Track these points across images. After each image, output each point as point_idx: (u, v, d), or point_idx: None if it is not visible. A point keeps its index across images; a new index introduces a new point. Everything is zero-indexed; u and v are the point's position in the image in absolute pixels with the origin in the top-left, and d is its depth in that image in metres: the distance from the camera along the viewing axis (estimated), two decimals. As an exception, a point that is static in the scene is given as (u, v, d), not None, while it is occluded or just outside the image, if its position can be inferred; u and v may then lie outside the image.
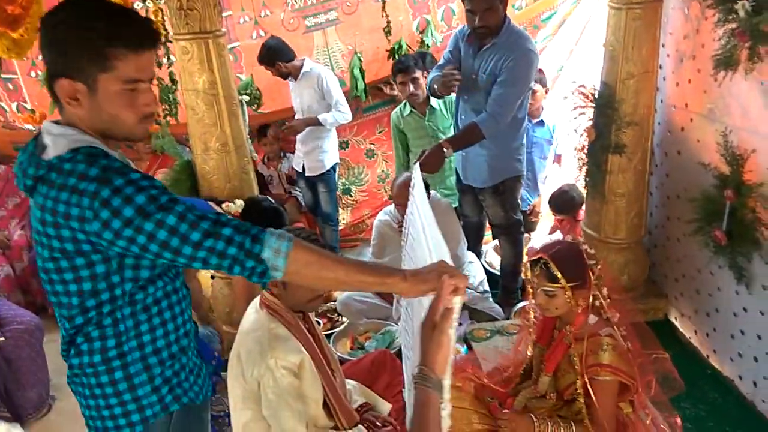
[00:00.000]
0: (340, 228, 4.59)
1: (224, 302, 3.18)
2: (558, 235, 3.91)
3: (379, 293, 3.40)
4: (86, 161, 1.19)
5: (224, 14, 3.71)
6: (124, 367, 1.35)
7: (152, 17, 3.03)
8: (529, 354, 2.19)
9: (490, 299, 3.38)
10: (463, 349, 2.93)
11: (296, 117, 4.14)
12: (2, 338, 2.90)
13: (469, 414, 2.10)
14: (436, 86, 3.04)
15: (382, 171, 4.69)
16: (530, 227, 4.02)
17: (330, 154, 4.17)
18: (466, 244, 3.46)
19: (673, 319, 3.25)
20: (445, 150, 2.75)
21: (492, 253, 3.90)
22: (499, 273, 3.59)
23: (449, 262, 1.32)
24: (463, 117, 3.17)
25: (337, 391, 2.09)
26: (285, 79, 4.02)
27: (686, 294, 3.09)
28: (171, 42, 2.92)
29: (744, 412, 2.60)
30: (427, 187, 2.83)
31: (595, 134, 3.05)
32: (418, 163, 2.48)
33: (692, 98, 2.86)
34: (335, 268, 1.26)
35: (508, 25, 2.89)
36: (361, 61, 4.30)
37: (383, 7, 4.01)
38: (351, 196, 4.75)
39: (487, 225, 3.65)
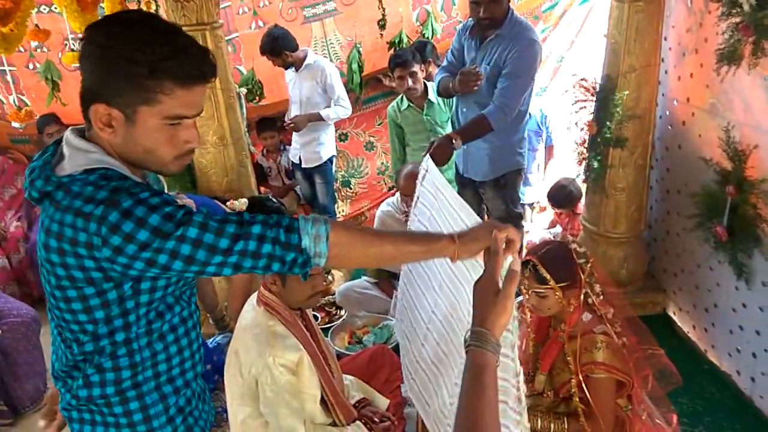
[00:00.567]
0: (339, 219, 4.58)
1: (222, 296, 3.18)
2: (557, 229, 3.90)
3: (380, 286, 3.40)
4: (97, 183, 1.09)
5: (223, 5, 3.68)
6: (139, 397, 1.26)
7: (145, 8, 2.97)
8: (530, 352, 2.18)
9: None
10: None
11: (293, 108, 4.11)
12: (-1, 331, 2.89)
13: None
14: (451, 85, 3.01)
15: (382, 163, 4.67)
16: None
17: (327, 146, 4.15)
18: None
19: (671, 314, 3.25)
20: (453, 141, 2.71)
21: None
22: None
23: None
24: (464, 110, 3.14)
25: (335, 387, 2.08)
26: (286, 69, 3.98)
27: (685, 289, 3.09)
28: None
29: (741, 408, 2.61)
30: None
31: (596, 128, 3.03)
32: (428, 155, 2.45)
33: (694, 93, 2.84)
34: (381, 243, 1.17)
35: (511, 16, 2.86)
36: (360, 54, 4.27)
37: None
38: (350, 188, 4.74)
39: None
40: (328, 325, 3.22)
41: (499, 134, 2.96)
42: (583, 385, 1.90)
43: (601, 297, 1.98)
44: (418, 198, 1.98)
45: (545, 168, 4.29)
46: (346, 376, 2.32)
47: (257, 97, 4.39)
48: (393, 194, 4.33)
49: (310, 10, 4.24)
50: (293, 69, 3.97)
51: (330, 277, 3.70)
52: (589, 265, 1.97)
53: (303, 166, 4.20)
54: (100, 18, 1.18)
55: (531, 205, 4.25)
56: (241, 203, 2.78)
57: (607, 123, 2.95)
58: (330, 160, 4.21)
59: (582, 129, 3.17)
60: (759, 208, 2.39)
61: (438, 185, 1.73)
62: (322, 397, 2.05)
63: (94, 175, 1.11)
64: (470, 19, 2.99)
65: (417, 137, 3.71)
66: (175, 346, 1.30)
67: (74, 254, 1.10)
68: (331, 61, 4.26)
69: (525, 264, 1.93)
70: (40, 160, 1.20)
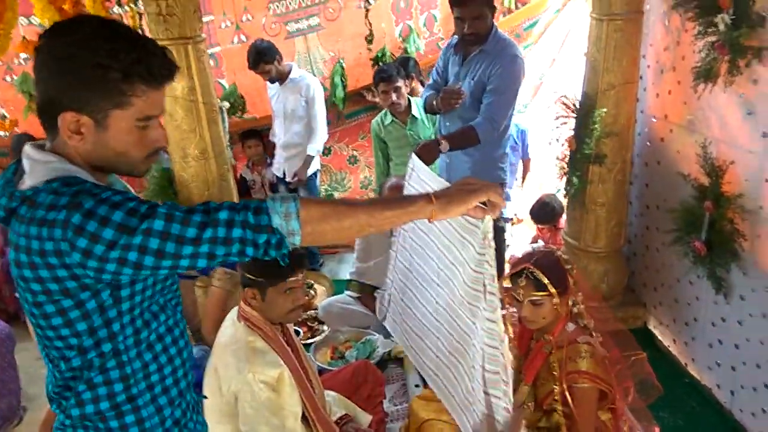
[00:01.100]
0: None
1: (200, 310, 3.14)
2: (539, 244, 3.93)
3: (362, 301, 3.38)
4: (58, 190, 1.08)
5: (205, 18, 3.68)
6: (135, 410, 1.24)
7: (129, 22, 2.96)
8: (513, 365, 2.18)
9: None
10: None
11: (276, 122, 4.10)
12: (-28, 348, 2.82)
13: (444, 426, 2.09)
14: (435, 103, 3.03)
15: (365, 177, 4.68)
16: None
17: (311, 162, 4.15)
18: None
19: (651, 328, 3.27)
20: (440, 144, 2.73)
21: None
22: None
23: None
24: (447, 124, 3.16)
25: (316, 403, 2.06)
26: (272, 83, 3.97)
27: (665, 303, 3.11)
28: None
29: (722, 421, 2.62)
30: None
31: (576, 144, 3.07)
32: (414, 154, 2.46)
33: (672, 109, 2.89)
34: (354, 213, 1.13)
35: (495, 32, 2.90)
36: (343, 68, 4.29)
37: (366, 15, 4.01)
38: None
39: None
40: (310, 341, 3.19)
41: (481, 149, 2.98)
42: (567, 395, 1.91)
43: (582, 306, 2.00)
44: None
45: (523, 181, 4.33)
46: (328, 392, 2.30)
47: (240, 111, 4.39)
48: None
49: (293, 25, 4.27)
50: (277, 83, 3.98)
51: (312, 292, 3.67)
52: (574, 272, 1.99)
53: (287, 180, 4.19)
54: (48, 27, 1.16)
55: (510, 220, 4.28)
56: None
57: (587, 139, 2.99)
58: (315, 174, 4.21)
59: (563, 145, 3.20)
60: (736, 223, 2.42)
61: (425, 179, 1.74)
62: (303, 414, 2.02)
63: (55, 183, 1.10)
64: (454, 37, 3.02)
65: (400, 152, 3.72)
66: (165, 355, 1.27)
67: (46, 265, 1.08)
68: (314, 73, 4.28)
69: (519, 273, 1.94)
70: (2, 179, 1.19)
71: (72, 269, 1.08)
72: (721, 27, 2.26)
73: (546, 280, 1.90)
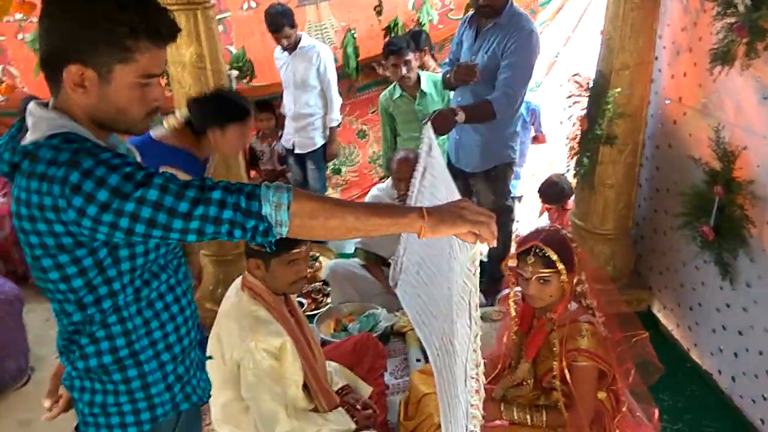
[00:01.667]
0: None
1: (208, 280, 3.16)
2: (545, 222, 3.92)
3: (368, 268, 3.38)
4: (58, 146, 1.10)
5: (216, -17, 3.63)
6: (138, 365, 1.27)
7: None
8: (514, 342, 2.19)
9: (476, 286, 3.38)
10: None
11: (286, 92, 4.07)
12: (-19, 308, 2.87)
13: None
14: (448, 77, 3.00)
15: (374, 152, 4.65)
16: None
17: (320, 132, 4.13)
18: None
19: (656, 311, 3.27)
20: (457, 114, 2.70)
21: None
22: (486, 259, 3.59)
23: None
24: (459, 99, 3.14)
25: (318, 373, 2.08)
26: (285, 50, 3.92)
27: (670, 287, 3.10)
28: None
29: (721, 406, 2.63)
30: None
31: (587, 124, 3.03)
32: (429, 123, 2.44)
33: (687, 92, 2.84)
34: (343, 214, 1.14)
35: (510, 6, 2.86)
36: (354, 38, 4.23)
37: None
38: (341, 175, 4.72)
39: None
40: (314, 312, 3.21)
41: (491, 126, 2.96)
42: (566, 373, 1.92)
43: (586, 286, 2.00)
44: (425, 169, 1.97)
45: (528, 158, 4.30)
46: (330, 362, 2.32)
47: (248, 77, 4.35)
48: (383, 182, 4.33)
49: (305, -7, 4.21)
50: (286, 52, 3.93)
51: (317, 264, 3.69)
52: (579, 250, 1.99)
53: (296, 151, 4.17)
54: None
55: (518, 198, 4.26)
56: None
57: (598, 120, 2.95)
58: (323, 145, 4.19)
59: (574, 124, 3.17)
60: (746, 209, 2.40)
61: (437, 176, 1.74)
62: (304, 383, 2.05)
63: (56, 139, 1.12)
64: (471, 12, 2.99)
65: (408, 127, 3.69)
66: (166, 313, 1.30)
67: (44, 220, 1.11)
68: (325, 44, 4.24)
69: (528, 251, 1.93)
70: (6, 136, 1.22)
71: (68, 226, 1.10)
72: (741, 8, 2.21)
73: (555, 257, 1.90)
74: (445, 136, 3.16)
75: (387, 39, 4.17)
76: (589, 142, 3.05)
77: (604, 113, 2.94)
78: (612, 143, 2.99)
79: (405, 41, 3.52)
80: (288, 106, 4.09)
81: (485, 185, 3.23)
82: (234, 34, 4.25)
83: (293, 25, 3.81)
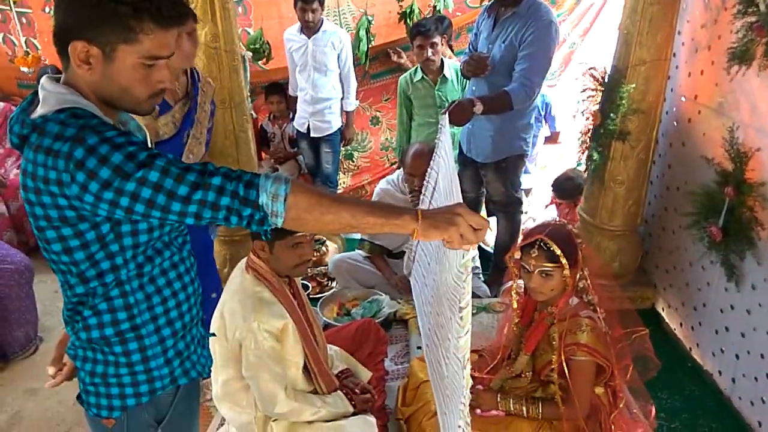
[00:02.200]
0: (340, 191, 4.58)
1: (216, 259, 3.19)
2: (552, 210, 3.91)
3: (372, 260, 3.40)
4: (65, 121, 1.11)
5: (236, -36, 3.63)
6: (138, 339, 1.30)
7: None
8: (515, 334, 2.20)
9: (480, 277, 3.38)
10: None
11: (300, 76, 4.05)
12: (-8, 277, 2.92)
13: None
14: (463, 69, 3.01)
15: (386, 139, 4.65)
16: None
17: (337, 116, 4.14)
18: None
19: (660, 310, 3.26)
20: (475, 105, 2.68)
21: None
22: (492, 250, 3.59)
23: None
24: (473, 88, 3.13)
25: (319, 356, 2.10)
26: (306, 30, 3.89)
27: (675, 286, 3.09)
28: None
29: (720, 407, 2.63)
30: None
31: (601, 118, 3.01)
32: (447, 114, 2.43)
33: (703, 90, 2.81)
34: (339, 211, 1.16)
35: None
36: (370, 23, 4.21)
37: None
38: (353, 161, 4.73)
39: (483, 204, 3.63)
40: (319, 296, 3.23)
41: (504, 117, 2.95)
42: (564, 367, 1.93)
43: (588, 282, 2.01)
44: (440, 160, 1.98)
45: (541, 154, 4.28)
46: (331, 346, 2.34)
47: (264, 58, 4.35)
48: (394, 170, 4.33)
49: (325, -23, 4.18)
50: (304, 35, 3.91)
51: (324, 248, 3.71)
52: (583, 247, 1.99)
53: (312, 135, 4.16)
54: None
55: (527, 191, 4.25)
56: None
57: (612, 115, 2.93)
58: (339, 130, 4.20)
59: (587, 118, 3.14)
60: (755, 211, 2.38)
61: (444, 147, 1.73)
62: (304, 365, 2.07)
63: (64, 113, 1.13)
64: (491, 1, 2.97)
65: (424, 111, 3.67)
66: (169, 289, 1.32)
67: (48, 193, 1.13)
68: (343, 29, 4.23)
69: (532, 244, 1.94)
70: (18, 108, 1.23)
71: (71, 200, 1.12)
72: (762, 7, 2.18)
73: (558, 251, 1.91)
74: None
75: (402, 23, 4.15)
76: (601, 137, 3.03)
77: (618, 108, 2.91)
78: (624, 139, 2.97)
79: (433, 23, 3.45)
80: (303, 88, 4.06)
81: (495, 176, 3.22)
82: (252, 16, 4.25)
83: (322, 4, 3.80)
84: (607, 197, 3.14)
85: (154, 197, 1.09)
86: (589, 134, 3.14)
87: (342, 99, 4.11)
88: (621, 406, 2.06)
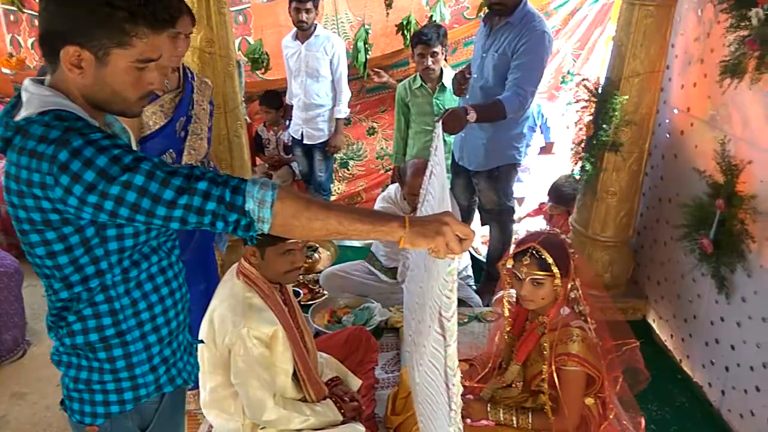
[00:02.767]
0: (334, 198, 4.58)
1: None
2: (540, 221, 3.90)
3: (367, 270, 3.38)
4: (50, 123, 1.10)
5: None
6: (123, 345, 1.28)
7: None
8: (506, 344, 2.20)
9: (472, 286, 3.38)
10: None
11: (294, 82, 4.06)
12: (-20, 279, 2.89)
13: None
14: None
15: (381, 148, 4.67)
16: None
17: (330, 124, 4.13)
18: None
19: (651, 321, 3.27)
20: (468, 113, 2.69)
21: (478, 240, 3.90)
22: (484, 259, 3.59)
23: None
24: (467, 96, 3.14)
25: (308, 363, 2.09)
26: (300, 33, 3.89)
27: (666, 298, 3.10)
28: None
29: (709, 420, 2.63)
30: None
31: (593, 130, 3.02)
32: (440, 122, 2.44)
33: (695, 103, 2.83)
34: (326, 217, 1.15)
35: (524, 5, 2.86)
36: (367, 34, 4.23)
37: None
38: (348, 169, 4.73)
39: (476, 212, 3.63)
40: (310, 303, 3.22)
41: (497, 126, 2.96)
42: (555, 377, 1.92)
43: (580, 292, 2.01)
44: (431, 172, 1.98)
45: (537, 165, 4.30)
46: (321, 353, 2.33)
47: (263, 68, 4.36)
48: (388, 177, 4.33)
49: (323, -14, 4.21)
50: (298, 41, 3.92)
51: (316, 255, 3.70)
52: (576, 257, 2.00)
53: (305, 142, 4.16)
54: None
55: (520, 200, 4.26)
56: None
57: (604, 126, 2.94)
58: (330, 137, 4.19)
59: (581, 129, 3.16)
60: (746, 224, 2.39)
61: (437, 157, 1.74)
62: (294, 373, 2.06)
63: (48, 115, 1.12)
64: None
65: (421, 119, 3.68)
66: (155, 295, 1.31)
67: (32, 195, 1.12)
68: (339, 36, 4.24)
69: (524, 252, 1.94)
70: (2, 111, 1.22)
71: (54, 203, 1.11)
72: (754, 21, 2.19)
73: (550, 260, 1.91)
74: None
75: (402, 34, 4.17)
76: (594, 148, 3.04)
77: (611, 120, 2.93)
78: (617, 150, 2.98)
79: (435, 32, 3.46)
80: (297, 95, 4.07)
81: (488, 184, 3.23)
82: (253, 25, 4.27)
83: (316, 6, 3.80)
84: (599, 208, 3.15)
85: (139, 201, 1.08)
86: (582, 145, 3.16)
87: (334, 107, 4.11)
88: (611, 417, 2.06)
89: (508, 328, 2.14)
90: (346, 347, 2.51)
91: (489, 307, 3.20)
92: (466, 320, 3.00)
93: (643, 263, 3.35)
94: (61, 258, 1.18)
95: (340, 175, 4.71)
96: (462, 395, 2.13)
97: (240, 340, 1.92)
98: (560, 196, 3.71)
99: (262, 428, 2.01)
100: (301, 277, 3.47)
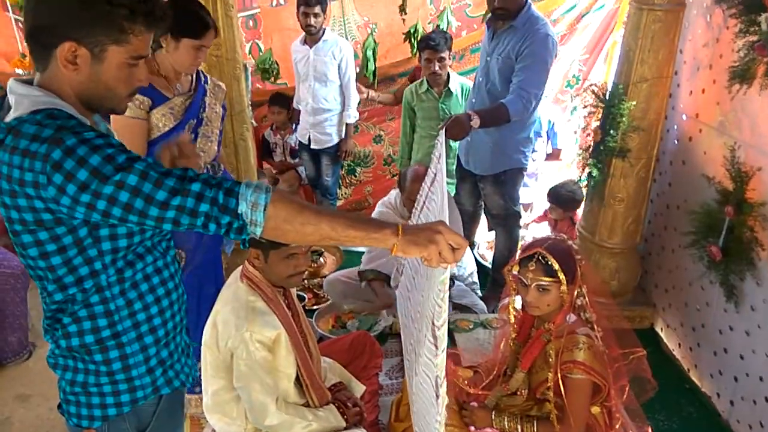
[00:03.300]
0: (341, 204, 4.57)
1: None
2: (545, 227, 3.87)
3: (372, 286, 3.32)
4: (42, 122, 1.10)
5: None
6: (119, 346, 1.27)
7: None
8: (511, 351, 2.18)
9: (478, 293, 3.36)
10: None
11: (302, 87, 4.06)
12: (-13, 281, 2.90)
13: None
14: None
15: (389, 155, 4.66)
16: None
17: (337, 128, 4.13)
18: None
19: (658, 330, 3.23)
20: (471, 119, 2.67)
21: (484, 246, 3.88)
22: (490, 266, 3.57)
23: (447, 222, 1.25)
24: (473, 100, 3.14)
25: (311, 368, 2.08)
26: (308, 37, 3.90)
27: (674, 306, 3.07)
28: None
29: (717, 430, 2.60)
30: None
31: (601, 135, 3.00)
32: (443, 130, 2.43)
33: (704, 109, 2.80)
34: (319, 223, 1.14)
35: (527, 10, 2.85)
36: (376, 43, 4.23)
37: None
38: (355, 176, 4.73)
39: (482, 217, 3.61)
40: (315, 307, 3.21)
41: (503, 130, 2.95)
42: (560, 385, 1.90)
43: (586, 299, 1.98)
44: (433, 179, 1.97)
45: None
46: (325, 358, 2.31)
47: (273, 77, 4.37)
48: (395, 182, 4.31)
49: (331, -10, 4.23)
50: (306, 45, 3.93)
51: (321, 260, 3.69)
52: (583, 263, 1.97)
53: (312, 146, 4.16)
54: None
55: (527, 206, 4.23)
56: None
57: (612, 132, 2.92)
58: (340, 143, 4.19)
59: (588, 135, 3.14)
60: (756, 231, 2.36)
61: (435, 198, 1.73)
62: (297, 377, 2.05)
63: (40, 114, 1.12)
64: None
65: (427, 124, 3.67)
66: (151, 295, 1.30)
67: (24, 195, 1.11)
68: (347, 40, 4.25)
69: (530, 257, 1.92)
70: None
71: (47, 203, 1.10)
72: (764, 27, 2.18)
73: (557, 266, 1.89)
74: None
75: (410, 42, 4.17)
76: (601, 154, 3.02)
77: (619, 125, 2.91)
78: (624, 156, 2.96)
79: (443, 38, 3.46)
80: (305, 99, 4.07)
81: (494, 189, 3.21)
82: (262, 30, 4.30)
83: (324, 10, 3.81)
84: (606, 215, 3.12)
85: (132, 201, 1.07)
86: (589, 151, 3.14)
87: (342, 111, 4.11)
88: (617, 426, 2.03)
89: (513, 335, 2.11)
90: (350, 352, 2.50)
91: (494, 313, 3.18)
92: (471, 327, 2.98)
93: (651, 271, 3.32)
94: (54, 259, 1.18)
95: (347, 181, 4.71)
96: (466, 402, 2.12)
97: (243, 343, 1.91)
98: (558, 198, 3.67)
99: (264, 433, 2.00)
100: (305, 281, 3.45)
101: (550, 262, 1.90)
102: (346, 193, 4.74)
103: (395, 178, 4.51)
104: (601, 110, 3.03)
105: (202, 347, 2.06)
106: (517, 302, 2.12)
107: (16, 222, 1.15)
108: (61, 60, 1.13)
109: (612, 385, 1.95)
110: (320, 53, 3.89)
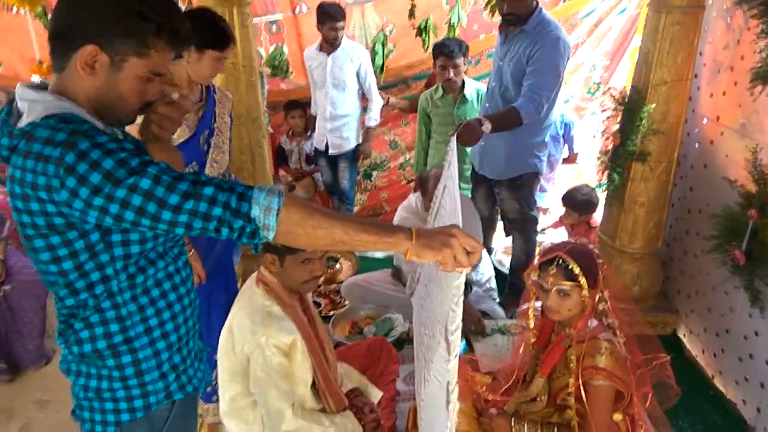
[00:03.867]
0: (357, 210, 4.57)
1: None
2: (562, 232, 3.83)
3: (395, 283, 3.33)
4: (55, 126, 1.10)
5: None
6: (132, 352, 1.27)
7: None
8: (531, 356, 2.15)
9: (496, 298, 3.32)
10: (461, 345, 2.88)
11: (318, 94, 4.07)
12: (8, 287, 2.94)
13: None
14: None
15: (405, 160, 4.66)
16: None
17: (354, 133, 4.14)
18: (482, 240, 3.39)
19: (681, 336, 3.17)
20: (483, 124, 2.66)
21: (501, 251, 3.85)
22: (507, 271, 3.54)
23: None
24: (487, 105, 3.12)
25: (328, 374, 2.07)
26: (326, 47, 3.92)
27: (697, 311, 3.01)
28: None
29: (744, 438, 2.54)
30: None
31: (620, 139, 2.97)
32: (454, 136, 2.42)
33: (725, 111, 2.76)
34: (331, 227, 1.13)
35: (538, 14, 2.84)
36: (386, 37, 4.25)
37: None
38: (371, 181, 4.73)
39: (498, 222, 3.59)
40: (331, 313, 3.20)
41: (517, 134, 2.93)
42: (582, 391, 1.86)
43: (608, 304, 1.95)
44: (445, 186, 1.96)
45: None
46: (341, 364, 2.30)
47: (283, 74, 4.40)
48: (410, 188, 4.31)
49: (353, -5, 4.28)
50: (323, 52, 3.94)
51: (338, 266, 3.68)
52: (604, 267, 1.94)
53: (330, 152, 4.17)
54: None
55: (545, 210, 4.20)
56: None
57: (632, 135, 2.88)
58: (357, 146, 4.20)
59: (607, 138, 3.10)
60: (781, 234, 2.31)
61: (451, 171, 1.71)
62: (313, 383, 2.03)
63: (53, 119, 1.12)
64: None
65: (442, 129, 3.67)
66: (163, 300, 1.30)
67: (36, 199, 1.11)
68: (366, 43, 4.29)
69: (551, 261, 1.90)
70: None
71: (59, 207, 1.10)
72: (787, 26, 2.14)
73: (578, 270, 1.86)
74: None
75: (422, 36, 4.18)
76: (621, 158, 2.99)
77: (638, 129, 2.87)
78: (644, 160, 2.92)
79: (457, 45, 3.46)
80: (322, 105, 4.07)
81: (510, 194, 3.19)
82: (285, 35, 4.35)
83: (344, 17, 3.84)
84: (627, 219, 3.08)
85: (145, 205, 1.07)
86: (608, 155, 3.10)
87: (362, 114, 4.11)
88: (641, 432, 1.99)
89: (533, 340, 2.08)
90: (367, 358, 2.48)
91: (513, 319, 3.14)
92: (489, 332, 2.95)
93: (673, 276, 3.26)
94: (65, 263, 1.17)
95: (363, 186, 4.71)
96: (485, 409, 2.10)
97: (258, 348, 1.90)
98: (573, 202, 3.62)
99: (281, 439, 1.99)
100: (321, 287, 3.45)
101: (570, 266, 1.87)
102: (361, 200, 4.74)
103: (410, 184, 4.50)
104: (620, 114, 2.99)
105: (218, 353, 2.05)
106: (537, 308, 2.09)
107: (28, 226, 1.16)
108: (81, 63, 1.14)
109: (635, 391, 1.91)
110: (338, 60, 3.90)
